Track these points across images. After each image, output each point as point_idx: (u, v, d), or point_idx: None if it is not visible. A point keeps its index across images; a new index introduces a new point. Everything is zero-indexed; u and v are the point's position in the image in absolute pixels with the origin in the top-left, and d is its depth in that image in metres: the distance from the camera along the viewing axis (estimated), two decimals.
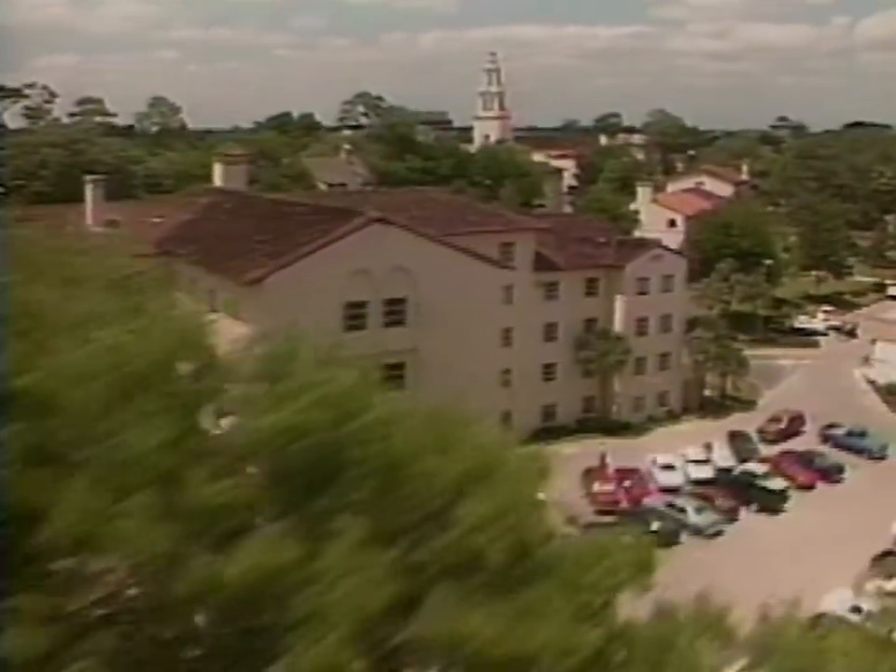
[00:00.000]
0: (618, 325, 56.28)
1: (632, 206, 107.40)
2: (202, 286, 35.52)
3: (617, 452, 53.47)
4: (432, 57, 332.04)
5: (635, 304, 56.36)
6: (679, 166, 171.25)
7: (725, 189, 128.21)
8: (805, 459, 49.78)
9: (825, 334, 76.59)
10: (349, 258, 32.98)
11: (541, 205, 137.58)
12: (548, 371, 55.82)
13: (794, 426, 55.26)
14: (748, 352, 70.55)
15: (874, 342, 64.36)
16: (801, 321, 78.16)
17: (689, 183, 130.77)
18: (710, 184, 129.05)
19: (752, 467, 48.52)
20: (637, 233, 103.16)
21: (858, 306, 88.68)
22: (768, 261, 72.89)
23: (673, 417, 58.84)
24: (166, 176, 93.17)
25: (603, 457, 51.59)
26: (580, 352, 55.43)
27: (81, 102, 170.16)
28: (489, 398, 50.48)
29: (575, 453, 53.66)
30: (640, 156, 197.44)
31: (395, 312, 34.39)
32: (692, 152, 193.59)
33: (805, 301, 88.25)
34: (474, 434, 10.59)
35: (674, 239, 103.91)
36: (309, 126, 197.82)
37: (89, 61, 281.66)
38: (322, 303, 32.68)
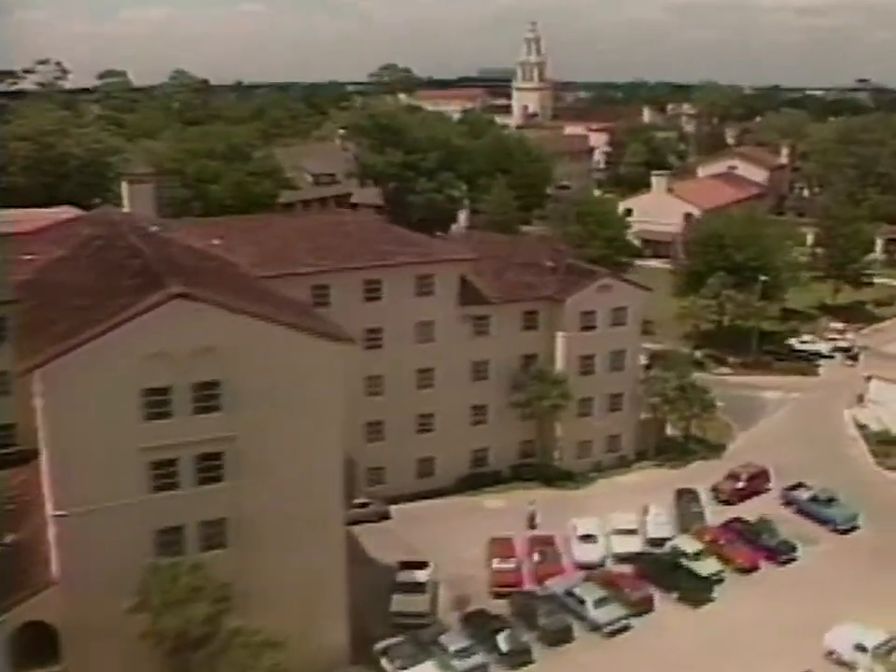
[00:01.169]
0: (560, 363, 50.45)
1: (629, 202, 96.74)
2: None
3: (550, 506, 48.08)
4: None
5: (578, 341, 50.32)
6: (731, 141, 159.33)
7: (760, 174, 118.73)
8: (751, 533, 43.43)
9: (830, 356, 68.59)
10: (146, 338, 28.57)
11: (565, 186, 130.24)
12: (478, 414, 50.54)
13: (756, 484, 48.68)
14: (734, 378, 64.19)
15: (868, 378, 56.61)
16: (803, 341, 70.05)
17: (722, 167, 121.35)
18: (743, 168, 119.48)
19: (684, 542, 42.53)
20: (636, 230, 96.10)
21: (880, 318, 79.78)
22: (765, 277, 65.10)
23: (625, 464, 52.93)
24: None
25: (531, 517, 46.40)
26: (514, 393, 49.98)
27: (103, 75, 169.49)
28: (377, 455, 47.09)
29: (500, 507, 48.56)
30: (690, 127, 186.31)
31: (206, 397, 29.89)
32: (749, 123, 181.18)
33: (820, 313, 79.78)
34: None
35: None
36: (339, 96, 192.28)
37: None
38: (116, 391, 28.62)
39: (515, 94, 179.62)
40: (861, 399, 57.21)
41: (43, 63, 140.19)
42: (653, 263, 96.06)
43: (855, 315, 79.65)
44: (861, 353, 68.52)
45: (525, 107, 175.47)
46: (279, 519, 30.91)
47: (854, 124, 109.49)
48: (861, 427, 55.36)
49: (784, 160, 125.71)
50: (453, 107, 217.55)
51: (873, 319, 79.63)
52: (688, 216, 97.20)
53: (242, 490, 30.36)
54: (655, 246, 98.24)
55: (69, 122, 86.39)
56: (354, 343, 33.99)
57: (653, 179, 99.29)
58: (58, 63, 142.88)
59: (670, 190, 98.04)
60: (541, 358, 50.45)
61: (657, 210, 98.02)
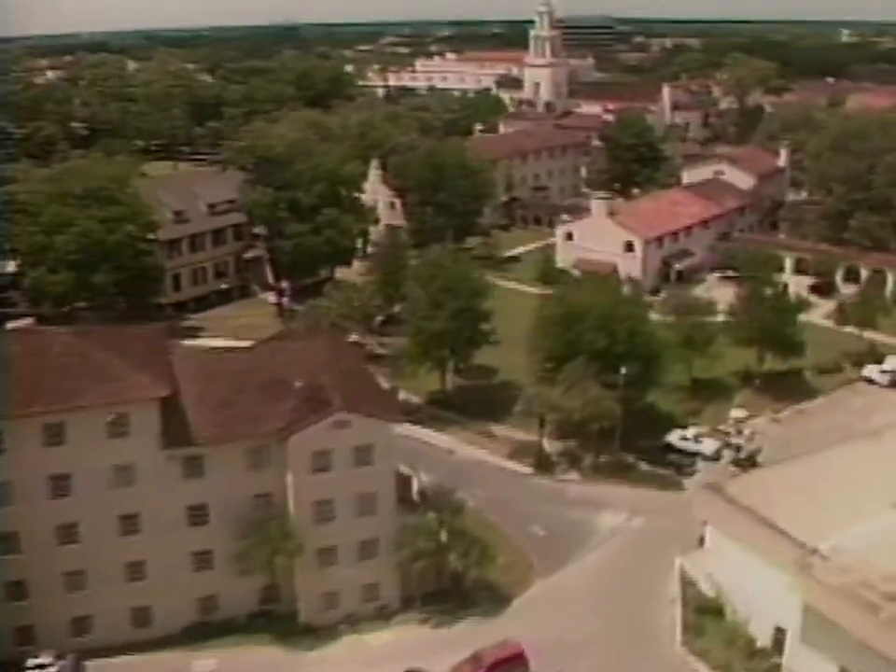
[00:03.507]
0: (293, 507, 43.04)
1: (571, 225, 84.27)
2: None
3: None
4: None
5: (310, 485, 42.64)
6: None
7: (748, 181, 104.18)
8: None
9: (715, 459, 57.92)
10: None
11: (542, 188, 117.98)
12: (201, 560, 43.81)
13: (505, 670, 40.38)
14: (575, 490, 54.85)
15: (705, 523, 46.31)
16: (684, 437, 58.99)
17: (708, 172, 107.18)
18: (731, 174, 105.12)
19: None
20: (575, 259, 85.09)
21: (814, 393, 67.49)
22: (625, 367, 54.61)
23: (385, 616, 45.14)
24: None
25: None
26: (240, 539, 43.01)
27: None
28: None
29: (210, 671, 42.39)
30: (727, 103, 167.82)
31: None
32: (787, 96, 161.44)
33: (741, 383, 68.09)
34: None
35: (630, 267, 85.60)
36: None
37: None
38: None
39: (527, 71, 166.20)
40: (702, 541, 47.18)
41: None
42: None
43: (786, 386, 67.54)
44: (757, 454, 57.58)
45: (537, 85, 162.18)
46: None
47: (851, 127, 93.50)
48: (689, 583, 45.53)
49: (783, 161, 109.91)
50: (489, 72, 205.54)
51: (807, 393, 67.46)
52: (629, 244, 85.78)
53: None
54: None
55: None
56: None
57: (593, 202, 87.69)
58: None
59: (612, 215, 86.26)
60: (277, 500, 43.36)
61: (597, 237, 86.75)
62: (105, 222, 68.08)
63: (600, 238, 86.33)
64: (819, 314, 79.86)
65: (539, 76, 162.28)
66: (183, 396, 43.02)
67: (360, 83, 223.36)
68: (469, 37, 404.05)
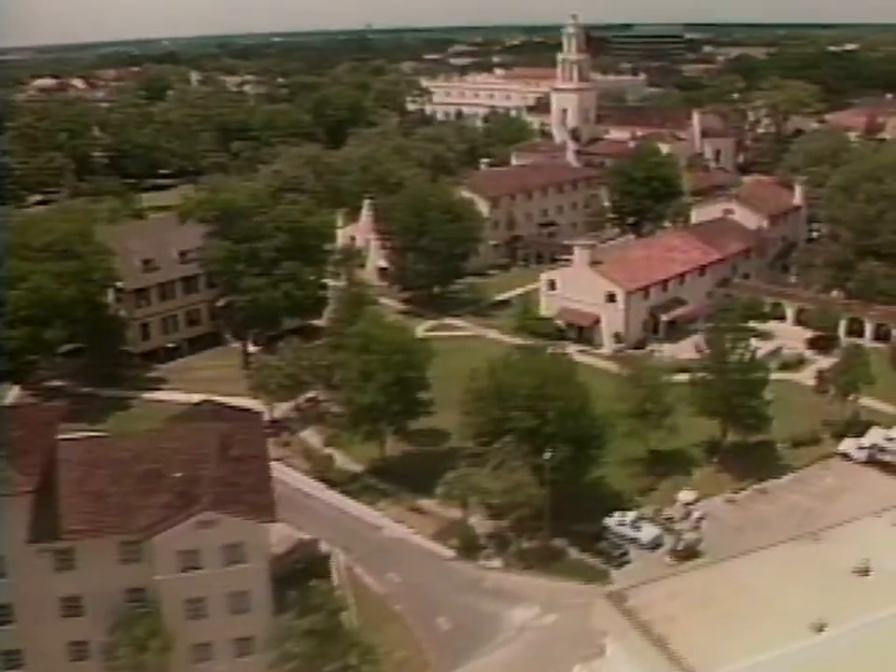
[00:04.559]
0: (164, 603, 41.85)
1: (553, 273, 79.54)
2: None
3: None
4: None
5: (179, 582, 41.41)
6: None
7: (758, 221, 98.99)
8: None
9: (653, 547, 53.85)
10: None
11: (549, 223, 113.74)
12: (78, 651, 43.13)
13: None
14: (494, 578, 52.00)
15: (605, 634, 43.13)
16: (621, 522, 54.88)
17: (717, 210, 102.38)
18: (740, 213, 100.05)
19: None
20: (558, 308, 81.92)
21: (784, 469, 62.17)
22: (552, 449, 51.72)
23: None
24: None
25: None
26: (113, 633, 42.15)
27: None
28: None
29: None
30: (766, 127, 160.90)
31: None
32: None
33: (706, 456, 63.78)
34: None
35: (613, 319, 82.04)
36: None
37: None
38: None
39: (554, 96, 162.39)
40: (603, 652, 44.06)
41: None
42: (569, 351, 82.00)
43: (754, 461, 62.99)
44: (697, 544, 53.73)
45: (564, 111, 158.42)
46: None
47: (859, 169, 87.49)
48: None
49: (797, 199, 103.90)
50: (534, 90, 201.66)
51: (776, 469, 62.88)
52: (611, 295, 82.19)
53: None
54: (579, 330, 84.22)
55: None
56: None
57: (575, 250, 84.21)
58: None
59: (595, 264, 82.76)
60: (151, 595, 42.11)
61: (579, 287, 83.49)
62: (60, 276, 68.26)
63: (582, 288, 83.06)
64: (811, 372, 74.71)
65: (566, 101, 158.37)
66: (60, 485, 42.49)
67: (408, 99, 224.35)
68: (538, 46, 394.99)
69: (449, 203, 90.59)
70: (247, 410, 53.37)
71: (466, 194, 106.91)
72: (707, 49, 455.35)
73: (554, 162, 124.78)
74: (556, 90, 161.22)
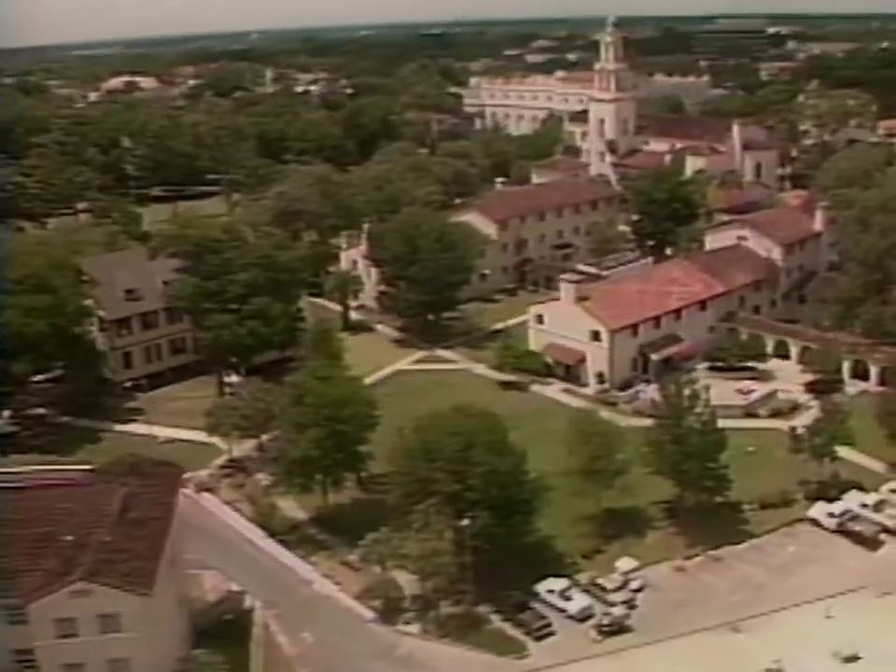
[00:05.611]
0: (44, 667, 42.29)
1: (540, 307, 75.47)
2: None
3: None
4: None
5: (56, 648, 41.68)
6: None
7: (773, 249, 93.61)
8: None
9: (582, 619, 51.30)
10: None
11: (566, 245, 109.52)
12: None
13: None
14: (414, 643, 50.29)
15: None
16: (550, 590, 52.33)
17: (730, 237, 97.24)
18: (755, 240, 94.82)
19: None
20: (546, 344, 79.04)
21: (748, 535, 58.56)
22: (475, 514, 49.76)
23: None
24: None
25: None
26: None
27: None
28: None
29: None
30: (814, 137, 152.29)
31: None
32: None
33: (666, 516, 60.48)
34: None
35: (599, 358, 78.96)
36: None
37: None
38: None
39: (591, 106, 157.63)
40: None
41: None
42: (551, 390, 79.66)
43: (714, 523, 59.28)
44: (626, 619, 50.96)
45: (601, 122, 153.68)
46: None
47: (876, 198, 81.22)
48: None
49: (818, 225, 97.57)
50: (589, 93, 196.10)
51: (736, 534, 58.99)
52: (596, 333, 79.04)
53: None
54: (567, 367, 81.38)
55: None
56: None
57: (562, 285, 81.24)
58: None
59: (582, 299, 79.70)
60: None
61: (565, 323, 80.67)
62: (30, 311, 69.49)
63: (568, 324, 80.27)
64: (804, 419, 69.81)
65: (603, 111, 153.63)
66: None
67: (470, 101, 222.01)
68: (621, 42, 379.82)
69: (442, 231, 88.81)
70: (169, 464, 53.29)
71: (474, 216, 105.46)
72: (792, 44, 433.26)
73: (576, 181, 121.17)
74: (594, 100, 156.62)
